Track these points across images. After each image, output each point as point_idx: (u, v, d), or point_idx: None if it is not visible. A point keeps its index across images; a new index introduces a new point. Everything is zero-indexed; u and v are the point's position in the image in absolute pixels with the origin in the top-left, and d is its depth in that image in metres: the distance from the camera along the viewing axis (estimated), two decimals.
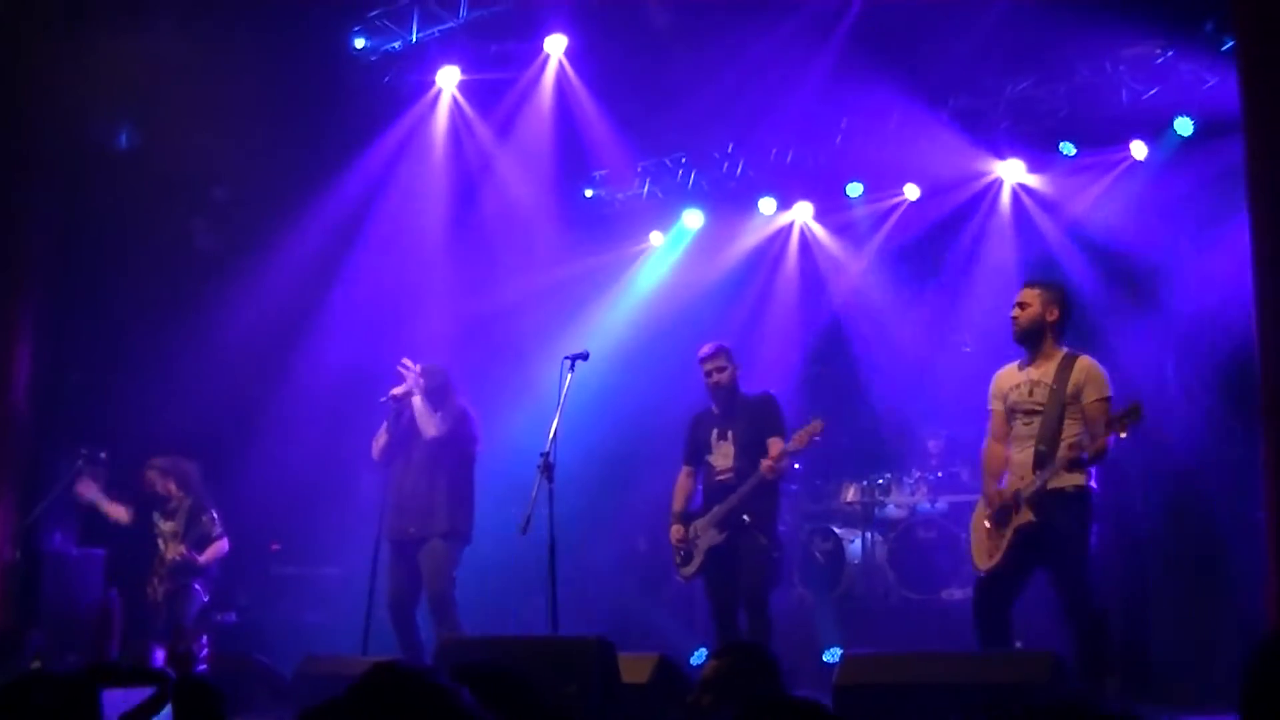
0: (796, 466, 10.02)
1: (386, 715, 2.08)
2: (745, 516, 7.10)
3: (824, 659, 8.89)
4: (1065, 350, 6.21)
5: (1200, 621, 7.96)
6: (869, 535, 9.84)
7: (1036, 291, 6.26)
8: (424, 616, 7.71)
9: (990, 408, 6.40)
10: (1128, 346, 8.81)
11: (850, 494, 10.18)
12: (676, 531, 7.38)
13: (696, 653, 8.74)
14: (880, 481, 10.06)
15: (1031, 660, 5.24)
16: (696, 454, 7.51)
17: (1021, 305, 6.23)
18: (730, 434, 7.32)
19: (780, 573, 7.56)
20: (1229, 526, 7.88)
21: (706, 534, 7.25)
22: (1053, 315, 6.20)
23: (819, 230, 11.26)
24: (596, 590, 10.21)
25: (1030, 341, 6.23)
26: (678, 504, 7.49)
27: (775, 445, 7.15)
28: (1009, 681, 4.94)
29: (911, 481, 9.98)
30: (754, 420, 7.31)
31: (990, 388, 6.42)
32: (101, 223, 9.28)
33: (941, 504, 9.65)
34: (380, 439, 7.86)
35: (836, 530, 9.97)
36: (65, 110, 9.09)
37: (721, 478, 7.29)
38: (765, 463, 7.07)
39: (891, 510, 10.02)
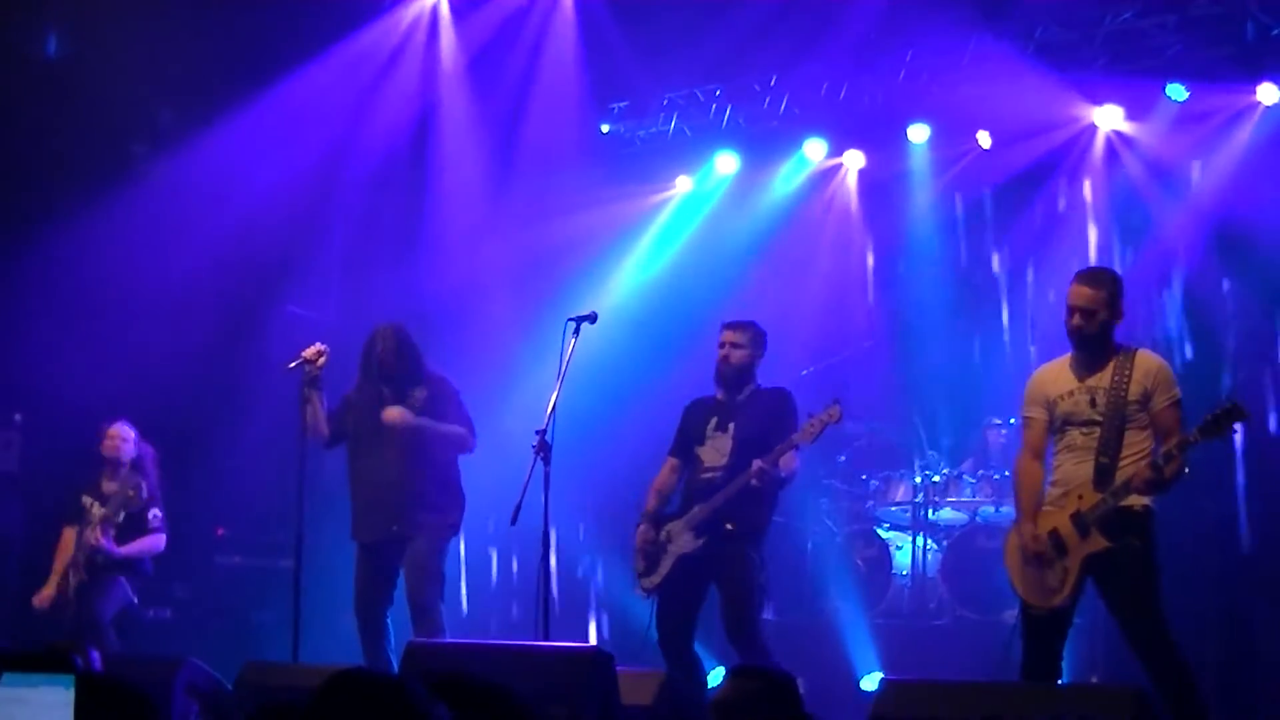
0: (842, 459, 10.44)
1: None
2: (728, 525, 6.89)
3: (860, 686, 8.85)
4: (1118, 345, 6.02)
5: None
6: (920, 541, 9.76)
7: (1101, 294, 5.94)
8: (396, 616, 7.65)
9: (1026, 415, 6.19)
10: (1236, 328, 9.05)
11: (900, 492, 10.09)
12: (644, 534, 7.14)
13: (713, 672, 8.59)
14: (936, 479, 9.92)
15: (1112, 696, 5.01)
16: (686, 445, 7.30)
17: (1086, 313, 5.92)
18: (731, 426, 7.11)
19: (766, 598, 7.32)
20: None
21: (680, 538, 7.04)
22: (1118, 313, 5.99)
23: (874, 181, 11.16)
24: (596, 595, 10.15)
25: (1093, 347, 5.99)
26: (652, 502, 7.28)
27: (788, 457, 6.90)
28: None
29: (973, 480, 9.83)
30: (763, 416, 7.08)
31: (1028, 390, 6.19)
32: (22, 146, 9.17)
33: (1008, 508, 9.39)
34: (316, 415, 7.61)
35: (882, 534, 9.92)
36: None
37: (708, 475, 7.08)
38: (758, 463, 6.77)
39: (948, 513, 9.92)
